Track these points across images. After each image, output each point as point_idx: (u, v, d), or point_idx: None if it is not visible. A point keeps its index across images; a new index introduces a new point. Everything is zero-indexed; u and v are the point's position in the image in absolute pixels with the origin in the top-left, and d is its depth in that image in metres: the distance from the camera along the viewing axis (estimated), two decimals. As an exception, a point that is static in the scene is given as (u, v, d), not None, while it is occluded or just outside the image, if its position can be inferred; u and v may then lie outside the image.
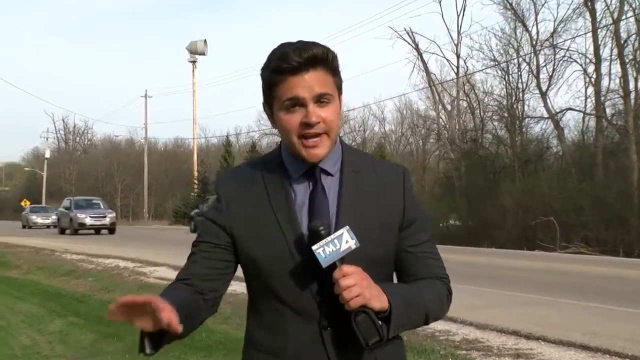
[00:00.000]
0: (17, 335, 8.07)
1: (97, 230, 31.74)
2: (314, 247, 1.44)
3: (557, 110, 28.44)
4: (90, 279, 12.84)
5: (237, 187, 1.66)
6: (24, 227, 45.98)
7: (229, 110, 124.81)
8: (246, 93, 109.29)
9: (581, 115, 28.27)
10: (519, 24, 30.18)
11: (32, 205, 50.67)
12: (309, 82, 1.55)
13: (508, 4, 30.15)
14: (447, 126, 36.56)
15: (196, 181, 55.70)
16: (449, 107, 37.00)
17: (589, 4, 26.57)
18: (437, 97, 37.16)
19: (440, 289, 1.65)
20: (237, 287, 10.43)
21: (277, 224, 1.56)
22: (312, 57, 1.55)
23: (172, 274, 12.74)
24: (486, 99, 34.32)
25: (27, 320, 9.03)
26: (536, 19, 29.71)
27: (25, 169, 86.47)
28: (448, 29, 37.93)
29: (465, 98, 36.08)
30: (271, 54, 1.61)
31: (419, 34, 39.65)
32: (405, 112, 59.42)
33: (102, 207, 33.44)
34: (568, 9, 41.80)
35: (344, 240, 1.45)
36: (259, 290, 1.61)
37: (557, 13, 73.14)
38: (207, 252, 1.65)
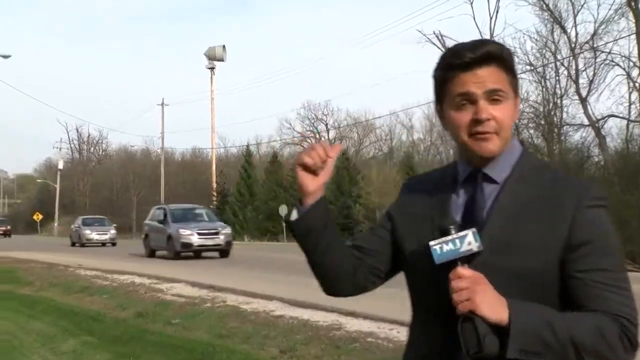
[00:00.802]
0: (30, 355, 8.16)
1: (207, 251, 22.63)
2: (431, 243, 1.49)
3: (599, 117, 28.15)
4: (105, 296, 12.95)
5: (414, 184, 1.78)
6: (73, 244, 38.66)
7: (249, 118, 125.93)
8: (267, 101, 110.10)
9: (625, 122, 27.95)
10: (557, 26, 29.95)
11: (85, 217, 42.74)
12: (481, 78, 1.56)
13: (544, 5, 29.95)
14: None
15: (215, 193, 55.95)
16: (481, 114, 36.67)
17: (632, 4, 26.28)
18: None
19: (606, 323, 1.47)
20: (258, 305, 10.45)
21: (430, 221, 1.62)
22: (486, 53, 1.57)
23: (191, 291, 12.80)
24: (521, 106, 33.86)
25: (39, 340, 9.12)
26: (575, 21, 29.45)
27: (38, 180, 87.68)
28: (480, 32, 37.53)
29: (498, 104, 35.76)
30: (444, 52, 1.66)
31: (448, 38, 39.32)
32: (434, 119, 59.25)
33: (210, 218, 24.81)
34: (609, 9, 41.31)
35: (467, 241, 1.47)
36: (407, 283, 1.71)
37: (598, 14, 72.29)
38: (372, 229, 1.79)
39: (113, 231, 39.63)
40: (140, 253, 25.59)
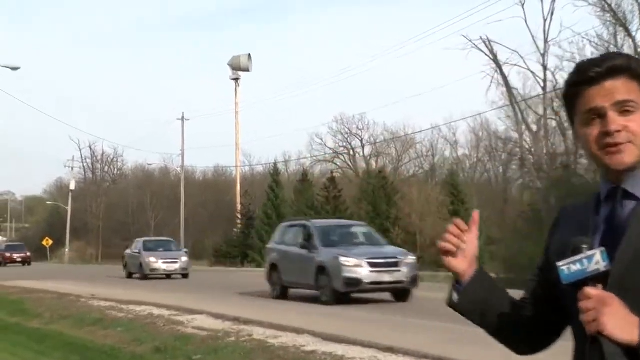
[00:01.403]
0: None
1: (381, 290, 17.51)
2: (559, 263, 1.57)
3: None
4: (120, 329, 13.01)
5: (567, 212, 1.85)
6: (130, 275, 31.22)
7: (277, 133, 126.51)
8: (296, 114, 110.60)
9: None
10: (620, 29, 29.63)
11: (147, 240, 34.00)
12: (609, 91, 1.65)
13: (606, 6, 29.65)
14: (533, 150, 36.03)
15: (239, 215, 56.22)
16: (534, 128, 36.51)
17: None
18: (520, 116, 36.71)
19: None
20: (287, 339, 10.43)
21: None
22: (612, 66, 1.66)
23: (214, 323, 12.82)
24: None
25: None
26: (640, 22, 29.10)
27: (48, 203, 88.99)
28: (533, 37, 37.20)
29: (554, 117, 35.55)
30: (571, 71, 1.77)
31: (497, 43, 39.08)
32: (481, 134, 58.93)
33: (374, 241, 19.06)
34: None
35: (594, 260, 1.54)
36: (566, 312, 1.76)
37: (664, 14, 71.49)
38: (535, 273, 1.87)
39: (185, 258, 30.30)
40: (157, 283, 25.62)
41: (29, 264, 56.02)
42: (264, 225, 50.53)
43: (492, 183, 58.98)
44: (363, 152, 68.40)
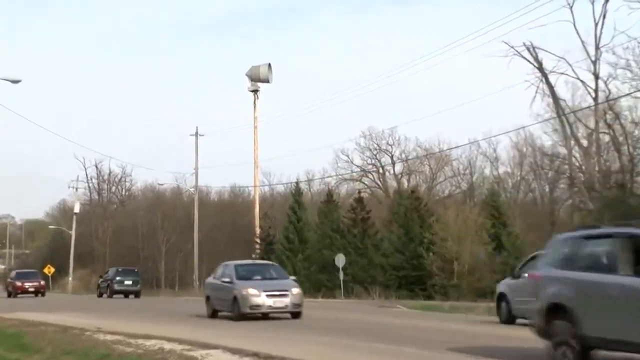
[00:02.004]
0: None
1: None
2: None
3: None
4: (128, 365, 12.90)
5: None
6: (214, 314, 25.06)
7: (299, 150, 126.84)
8: (320, 129, 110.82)
9: None
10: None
11: (239, 264, 26.58)
12: None
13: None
14: (583, 167, 35.75)
15: (258, 240, 56.19)
16: (584, 143, 36.21)
17: None
18: (568, 130, 36.45)
19: None
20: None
21: None
22: None
23: (229, 359, 12.67)
24: (637, 131, 33.38)
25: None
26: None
27: (50, 227, 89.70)
28: (582, 42, 36.90)
29: (607, 130, 35.24)
30: None
31: (542, 50, 38.78)
32: (525, 149, 58.50)
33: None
34: None
35: None
36: None
37: None
38: None
39: (296, 290, 24.01)
40: (169, 314, 25.39)
41: (43, 294, 52.68)
42: (285, 251, 50.44)
43: (537, 204, 58.44)
44: (393, 170, 68.40)
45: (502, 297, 20.99)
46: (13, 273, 58.14)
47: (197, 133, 62.95)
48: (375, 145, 68.11)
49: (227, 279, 24.13)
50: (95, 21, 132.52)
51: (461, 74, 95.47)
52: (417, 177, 66.89)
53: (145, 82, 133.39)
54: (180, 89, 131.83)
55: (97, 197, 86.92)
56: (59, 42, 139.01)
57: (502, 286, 21.51)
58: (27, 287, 52.89)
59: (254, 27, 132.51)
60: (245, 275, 24.08)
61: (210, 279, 26.34)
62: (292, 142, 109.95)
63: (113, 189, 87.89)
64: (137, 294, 49.38)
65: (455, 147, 62.88)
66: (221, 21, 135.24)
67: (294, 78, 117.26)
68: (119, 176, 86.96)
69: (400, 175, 67.83)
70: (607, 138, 35.49)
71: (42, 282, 54.96)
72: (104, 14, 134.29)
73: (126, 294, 49.27)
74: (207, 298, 25.51)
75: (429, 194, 61.85)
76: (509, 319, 20.35)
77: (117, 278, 49.95)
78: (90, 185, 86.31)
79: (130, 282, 49.96)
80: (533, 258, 20.02)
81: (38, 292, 52.64)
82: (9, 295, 52.68)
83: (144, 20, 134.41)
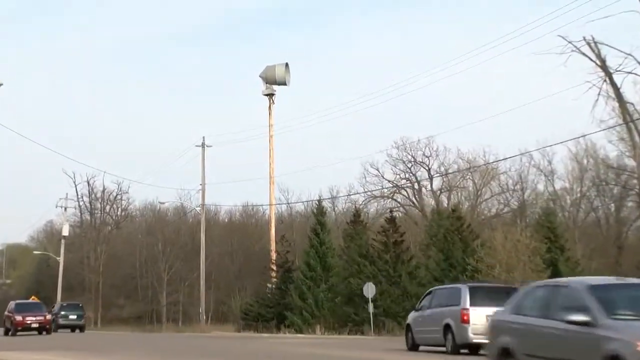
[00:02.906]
0: None
1: None
2: None
3: None
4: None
5: None
6: None
7: (321, 163, 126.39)
8: (345, 139, 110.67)
9: None
10: None
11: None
12: None
13: None
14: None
15: (275, 266, 56.01)
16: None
17: None
18: (637, 139, 36.02)
19: None
20: None
21: None
22: None
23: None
24: None
25: None
26: None
27: (35, 252, 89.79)
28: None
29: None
30: None
31: (606, 45, 38.25)
32: (586, 161, 57.93)
33: None
34: None
35: None
36: None
37: None
38: None
39: None
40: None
41: (48, 331, 48.32)
42: (306, 279, 50.23)
43: (601, 225, 57.80)
44: (431, 186, 68.01)
45: (408, 327, 26.95)
46: (12, 304, 52.09)
47: (203, 144, 62.91)
48: (410, 157, 67.86)
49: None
50: (88, 23, 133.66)
51: (509, 75, 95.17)
52: (459, 194, 66.56)
53: (142, 89, 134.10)
54: (184, 95, 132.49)
55: (88, 218, 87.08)
56: (44, 45, 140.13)
57: (409, 318, 27.34)
58: (29, 322, 48.14)
59: (267, 26, 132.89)
60: None
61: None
62: (313, 153, 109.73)
63: (107, 208, 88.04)
64: (81, 328, 56.47)
65: (504, 159, 62.52)
66: (225, 21, 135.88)
67: (314, 80, 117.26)
68: (114, 194, 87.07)
69: (439, 192, 67.47)
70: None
71: (48, 317, 49.92)
72: (100, 20, 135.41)
73: (72, 328, 56.07)
74: None
75: (473, 214, 61.47)
76: (413, 347, 26.37)
77: (62, 312, 57.17)
78: (81, 204, 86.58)
79: (74, 317, 56.78)
80: (430, 293, 27.07)
81: (43, 328, 48.14)
82: (7, 333, 48.88)
83: (142, 25, 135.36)
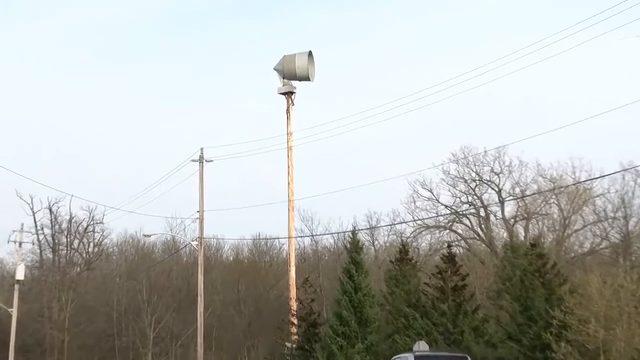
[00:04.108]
0: None
1: None
2: None
3: None
4: None
5: None
6: None
7: (355, 182, 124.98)
8: (387, 149, 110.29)
9: None
10: None
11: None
12: None
13: None
14: None
15: (296, 320, 55.62)
16: None
17: None
18: None
19: None
20: None
21: None
22: None
23: None
24: None
25: None
26: None
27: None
28: None
29: None
30: None
31: None
32: None
33: None
34: None
35: None
36: None
37: None
38: None
39: None
40: None
41: None
42: (337, 337, 49.93)
43: None
44: (502, 213, 67.59)
45: None
46: None
47: (201, 157, 62.64)
48: (474, 175, 67.59)
49: None
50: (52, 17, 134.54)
51: (597, 66, 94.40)
52: (540, 223, 66.06)
53: (122, 88, 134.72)
54: (177, 96, 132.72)
55: (51, 256, 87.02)
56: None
57: None
58: None
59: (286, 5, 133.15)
60: None
61: None
62: (345, 170, 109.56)
63: (76, 243, 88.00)
64: None
65: (601, 177, 62.05)
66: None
67: (344, 74, 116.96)
68: (85, 224, 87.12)
69: (513, 221, 67.00)
70: None
71: None
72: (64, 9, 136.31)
73: None
74: None
75: (559, 250, 60.93)
76: None
77: None
78: (41, 238, 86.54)
79: None
80: None
81: None
82: None
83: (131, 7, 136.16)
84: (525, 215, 66.46)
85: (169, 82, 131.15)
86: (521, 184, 66.97)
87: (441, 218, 68.25)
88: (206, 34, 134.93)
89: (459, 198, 68.21)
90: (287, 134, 62.95)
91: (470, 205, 67.99)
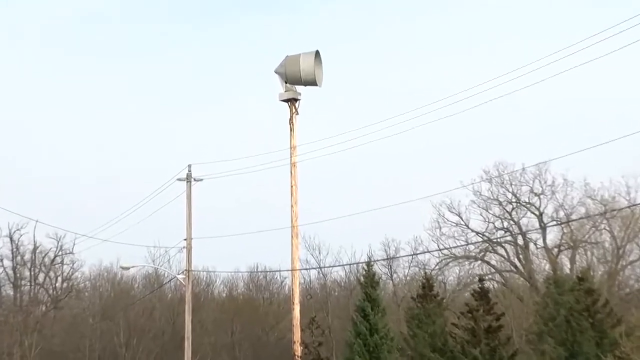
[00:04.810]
0: None
1: None
2: None
3: None
4: None
5: None
6: None
7: (370, 204, 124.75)
8: (406, 164, 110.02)
9: None
10: None
11: None
12: None
13: None
14: None
15: (299, 367, 55.52)
16: None
17: None
18: None
19: None
20: None
21: None
22: None
23: None
24: None
25: None
26: None
27: None
28: None
29: None
30: None
31: None
32: None
33: None
34: None
35: None
36: None
37: None
38: None
39: None
40: None
41: None
42: (349, 388, 49.90)
43: None
44: (544, 241, 67.49)
45: None
46: None
47: (189, 176, 62.63)
48: (510, 196, 67.42)
49: None
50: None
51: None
52: (589, 253, 65.85)
53: (96, 95, 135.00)
54: (160, 104, 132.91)
55: (11, 292, 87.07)
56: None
57: None
58: None
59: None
60: None
61: None
62: (358, 190, 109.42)
63: (41, 277, 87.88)
64: None
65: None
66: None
67: (356, 78, 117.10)
68: (52, 255, 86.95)
69: (556, 250, 66.82)
70: None
71: None
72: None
73: None
74: None
75: (612, 284, 60.76)
76: None
77: None
78: (0, 271, 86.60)
79: None
80: None
81: None
82: None
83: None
84: (571, 244, 66.29)
85: (156, 86, 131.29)
86: (566, 206, 66.89)
87: (471, 247, 68.16)
88: (196, 32, 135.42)
89: (493, 223, 68.14)
90: (290, 147, 62.65)
91: (505, 231, 67.89)
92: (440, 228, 68.51)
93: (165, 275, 78.51)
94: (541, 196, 66.81)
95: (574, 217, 65.72)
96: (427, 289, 53.30)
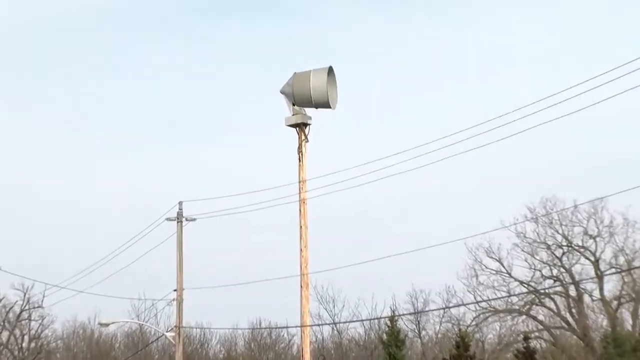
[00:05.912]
0: None
1: None
2: None
3: None
4: None
5: None
6: None
7: (390, 249, 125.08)
8: (433, 204, 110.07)
9: None
10: None
11: None
12: None
13: None
14: None
15: None
16: None
17: None
18: None
19: None
20: None
21: None
22: None
23: None
24: None
25: None
26: None
27: None
28: None
29: None
30: None
31: None
32: None
33: None
34: None
35: None
36: None
37: None
38: None
39: None
40: None
41: None
42: None
43: None
44: (601, 291, 67.42)
45: None
46: None
47: (180, 215, 62.73)
48: (560, 239, 67.38)
49: None
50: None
51: None
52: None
53: (74, 126, 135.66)
54: (144, 129, 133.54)
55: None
56: None
57: None
58: None
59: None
60: None
61: None
62: (377, 231, 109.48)
63: (5, 336, 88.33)
64: None
65: None
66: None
67: (373, 98, 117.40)
68: (18, 309, 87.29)
69: (616, 303, 66.70)
70: None
71: None
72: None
73: None
74: None
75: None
76: None
77: None
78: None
79: None
80: None
81: None
82: None
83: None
84: (634, 296, 66.18)
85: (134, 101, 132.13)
86: (627, 251, 66.73)
87: (514, 299, 68.03)
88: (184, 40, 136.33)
89: (540, 271, 68.21)
90: (299, 181, 62.54)
91: (555, 280, 67.85)
92: (477, 276, 68.71)
93: (152, 332, 78.82)
94: (597, 239, 66.80)
95: (636, 263, 65.63)
96: (462, 349, 53.40)
